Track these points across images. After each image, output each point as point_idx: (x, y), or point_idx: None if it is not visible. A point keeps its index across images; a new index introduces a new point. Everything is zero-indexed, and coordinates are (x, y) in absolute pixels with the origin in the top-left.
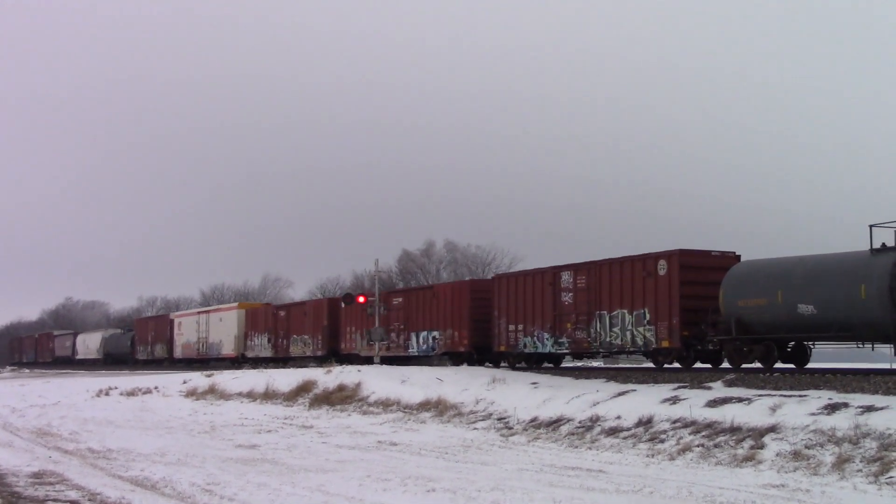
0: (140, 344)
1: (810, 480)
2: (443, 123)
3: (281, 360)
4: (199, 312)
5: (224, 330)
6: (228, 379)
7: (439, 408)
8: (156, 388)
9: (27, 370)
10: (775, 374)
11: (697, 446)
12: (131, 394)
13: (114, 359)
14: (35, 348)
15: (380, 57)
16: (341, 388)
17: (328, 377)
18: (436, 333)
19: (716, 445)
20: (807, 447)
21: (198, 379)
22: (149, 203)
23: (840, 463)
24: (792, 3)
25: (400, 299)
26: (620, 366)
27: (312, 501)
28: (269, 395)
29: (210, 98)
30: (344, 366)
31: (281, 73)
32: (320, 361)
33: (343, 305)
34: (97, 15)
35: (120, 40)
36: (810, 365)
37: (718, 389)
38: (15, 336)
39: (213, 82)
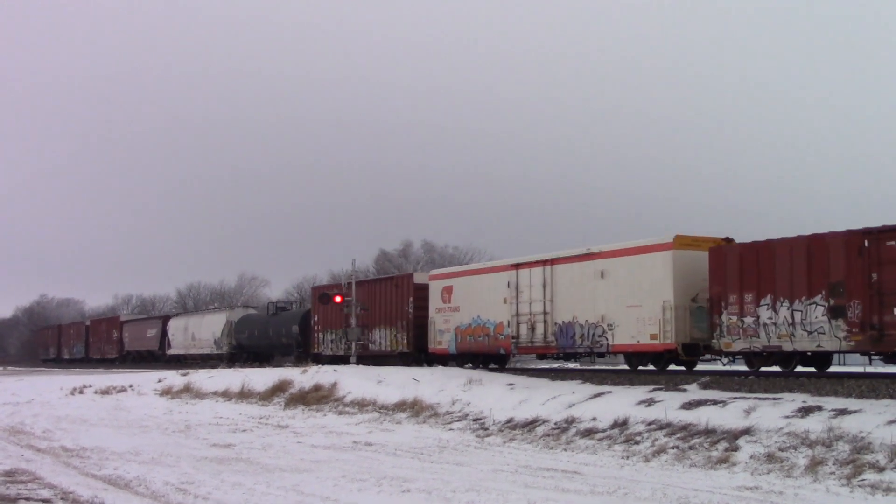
0: (324, 329)
1: (784, 483)
2: (421, 124)
3: None
4: (515, 266)
5: (619, 296)
6: (204, 378)
7: (415, 408)
8: (130, 386)
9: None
10: (750, 377)
11: (672, 448)
12: (106, 392)
13: (255, 355)
14: (86, 340)
15: (356, 57)
16: (317, 387)
17: (304, 377)
18: None
19: (690, 447)
20: (780, 450)
21: (173, 378)
22: (123, 201)
23: (813, 465)
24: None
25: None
26: (596, 367)
27: (287, 501)
28: (244, 395)
29: (186, 96)
30: (321, 365)
31: (255, 73)
32: None
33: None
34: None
35: (100, 34)
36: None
37: (693, 392)
38: (46, 325)
39: (188, 80)
